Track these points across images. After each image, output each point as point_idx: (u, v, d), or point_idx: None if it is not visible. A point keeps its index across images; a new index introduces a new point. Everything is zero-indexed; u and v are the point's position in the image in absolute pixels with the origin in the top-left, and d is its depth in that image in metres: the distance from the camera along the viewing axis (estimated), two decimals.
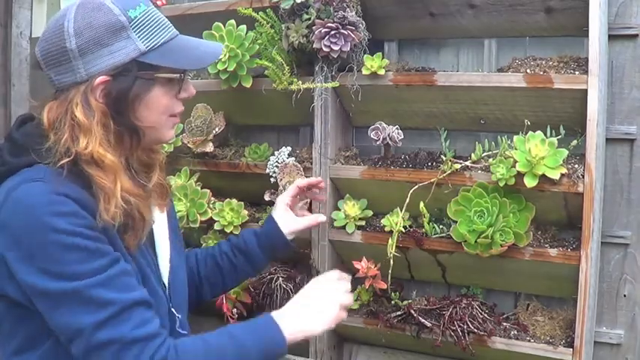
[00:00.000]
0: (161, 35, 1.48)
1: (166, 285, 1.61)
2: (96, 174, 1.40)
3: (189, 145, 2.51)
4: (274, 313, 1.56)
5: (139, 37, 1.44)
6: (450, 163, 2.11)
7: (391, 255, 2.15)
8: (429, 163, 2.22)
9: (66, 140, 1.40)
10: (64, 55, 1.42)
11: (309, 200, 2.26)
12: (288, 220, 2.04)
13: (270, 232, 2.01)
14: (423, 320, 2.18)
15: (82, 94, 1.42)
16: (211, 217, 2.47)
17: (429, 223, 2.18)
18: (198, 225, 2.45)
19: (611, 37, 2.09)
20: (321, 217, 2.14)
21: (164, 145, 1.86)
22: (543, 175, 1.93)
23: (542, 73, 2.05)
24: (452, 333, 2.12)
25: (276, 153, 2.42)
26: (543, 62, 2.11)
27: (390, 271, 2.16)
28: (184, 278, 1.75)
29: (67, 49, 1.41)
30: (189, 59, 1.52)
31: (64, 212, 1.34)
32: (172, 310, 1.59)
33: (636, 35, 2.10)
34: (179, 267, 1.70)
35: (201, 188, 2.49)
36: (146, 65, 1.45)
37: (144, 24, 1.46)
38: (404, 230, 2.20)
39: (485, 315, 2.16)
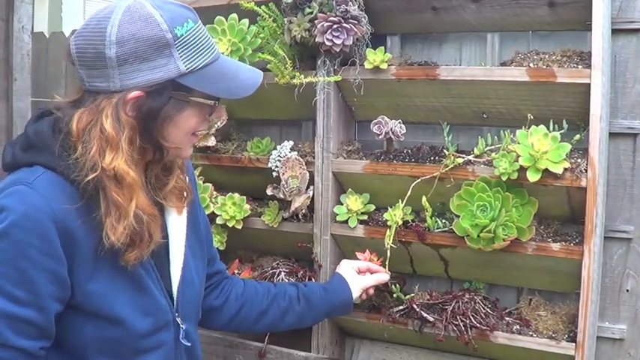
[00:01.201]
0: (203, 57, 1.44)
1: (174, 294, 1.59)
2: (114, 190, 1.37)
3: None
4: None
5: (181, 56, 1.40)
6: (452, 158, 2.11)
7: (388, 246, 2.15)
8: (432, 158, 2.21)
9: (94, 154, 1.37)
10: (101, 60, 1.37)
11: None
12: (355, 278, 2.11)
13: (337, 288, 2.06)
14: (425, 315, 2.18)
15: (113, 106, 1.38)
16: (213, 212, 2.47)
17: (431, 218, 2.18)
18: None
19: (615, 32, 2.08)
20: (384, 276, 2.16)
21: None
22: (546, 170, 1.93)
23: (545, 67, 2.05)
24: (454, 328, 2.12)
25: (278, 147, 2.42)
26: (546, 56, 2.11)
27: (387, 263, 2.16)
28: (199, 288, 1.72)
29: (105, 56, 1.36)
30: (226, 88, 1.48)
31: (27, 228, 1.32)
32: (177, 319, 1.58)
33: (639, 29, 2.09)
34: (194, 275, 1.67)
35: (204, 182, 2.49)
36: (183, 87, 1.42)
37: (188, 43, 1.41)
38: (406, 224, 2.19)
39: (488, 310, 2.16)
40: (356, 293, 2.07)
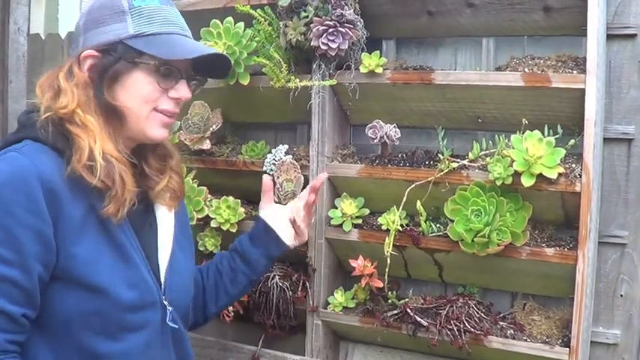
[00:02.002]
0: (154, 27, 1.53)
1: (162, 278, 1.61)
2: (75, 132, 1.46)
3: (186, 142, 2.51)
4: None
5: (133, 22, 1.51)
6: (447, 162, 2.11)
7: (388, 254, 2.15)
8: (427, 162, 2.21)
9: (47, 99, 1.49)
10: (76, 31, 1.56)
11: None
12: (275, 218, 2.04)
13: (260, 231, 2.02)
14: (419, 319, 2.17)
15: (69, 64, 1.53)
16: (208, 215, 2.46)
17: (425, 222, 2.18)
18: (194, 222, 2.44)
19: (610, 37, 2.08)
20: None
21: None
22: (541, 175, 1.93)
23: (540, 72, 2.05)
24: (448, 332, 2.12)
25: (273, 151, 2.41)
26: (541, 61, 2.11)
27: (387, 270, 2.16)
28: (188, 282, 1.75)
29: (78, 26, 1.56)
30: (171, 51, 1.54)
31: (14, 187, 1.37)
32: (164, 302, 1.59)
33: (634, 35, 2.09)
34: (182, 267, 1.70)
35: (198, 185, 2.48)
36: (130, 48, 1.51)
37: (143, 14, 1.53)
38: (401, 229, 2.19)
39: (482, 314, 2.16)
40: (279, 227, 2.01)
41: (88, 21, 1.53)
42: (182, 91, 1.58)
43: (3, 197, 1.37)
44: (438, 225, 2.18)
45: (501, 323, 2.16)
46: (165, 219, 1.69)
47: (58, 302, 1.45)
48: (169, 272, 1.63)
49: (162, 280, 1.61)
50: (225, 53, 1.66)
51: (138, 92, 1.53)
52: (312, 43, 2.20)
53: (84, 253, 1.44)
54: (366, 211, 2.34)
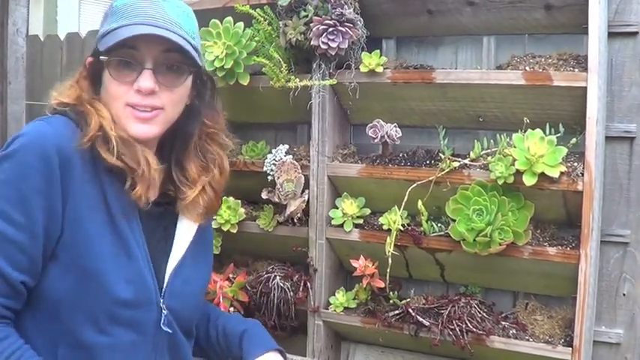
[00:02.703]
0: (117, 22, 1.48)
1: (165, 282, 1.58)
2: (86, 112, 1.48)
3: None
4: None
5: (106, 23, 1.52)
6: (448, 161, 2.10)
7: (390, 254, 2.15)
8: (428, 161, 2.21)
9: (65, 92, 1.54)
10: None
11: None
12: None
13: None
14: (421, 319, 2.17)
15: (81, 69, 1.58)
16: None
17: (427, 222, 2.17)
18: None
19: (611, 35, 2.08)
20: None
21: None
22: (542, 174, 1.92)
23: (541, 70, 2.04)
24: (450, 332, 2.11)
25: (273, 151, 2.41)
26: (542, 60, 2.11)
27: (388, 270, 2.15)
28: (196, 292, 1.70)
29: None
30: (111, 40, 1.47)
31: (33, 151, 1.40)
32: (161, 305, 1.56)
33: (636, 33, 2.09)
34: (191, 277, 1.65)
35: None
36: (96, 50, 1.53)
37: (117, 13, 1.51)
38: (402, 229, 2.19)
39: (484, 314, 2.15)
40: None
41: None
42: (141, 81, 1.50)
43: (21, 159, 1.39)
44: (439, 225, 2.17)
45: (503, 323, 2.15)
46: (185, 231, 1.66)
47: (53, 281, 1.44)
48: (174, 277, 1.60)
49: (165, 283, 1.59)
50: (169, 36, 1.48)
51: (108, 90, 1.53)
52: (311, 43, 2.20)
53: (86, 234, 1.44)
54: (367, 211, 2.34)
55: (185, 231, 1.66)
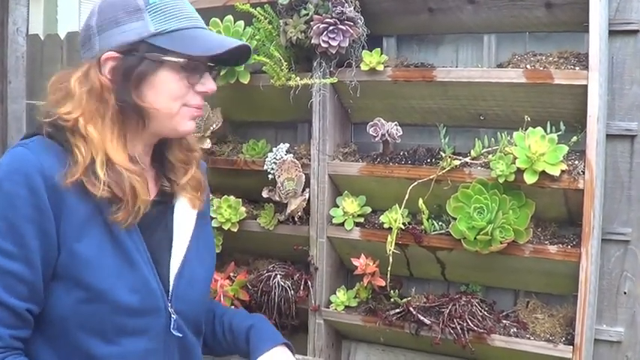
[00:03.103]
0: (176, 22, 1.50)
1: (170, 285, 1.57)
2: (75, 144, 1.43)
3: None
4: None
5: (152, 19, 1.47)
6: (449, 160, 2.10)
7: (390, 252, 2.14)
8: (428, 160, 2.20)
9: (51, 102, 1.47)
10: (88, 32, 1.50)
11: None
12: None
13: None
14: (422, 318, 2.16)
15: (87, 67, 1.47)
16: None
17: (428, 220, 2.17)
18: None
19: (612, 33, 2.08)
20: None
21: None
22: (543, 172, 1.92)
23: (542, 68, 2.04)
24: (451, 331, 2.11)
25: (274, 149, 2.41)
26: (543, 58, 2.10)
27: (389, 269, 2.15)
28: (201, 291, 1.69)
29: (90, 27, 1.49)
30: (197, 47, 1.51)
31: (16, 181, 1.37)
32: (170, 309, 1.55)
33: (637, 31, 2.08)
34: (196, 275, 1.65)
35: None
36: (154, 47, 1.47)
37: (160, 10, 1.48)
38: (403, 227, 2.18)
39: (485, 312, 2.15)
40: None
41: (101, 21, 1.48)
42: (209, 84, 1.56)
43: (5, 190, 1.36)
44: (440, 223, 2.17)
45: (504, 321, 2.15)
46: (183, 222, 1.65)
47: (57, 301, 1.43)
48: (179, 279, 1.59)
49: (171, 287, 1.57)
50: (245, 42, 1.62)
51: (166, 91, 1.50)
52: (312, 41, 2.19)
53: (85, 251, 1.43)
54: (368, 210, 2.34)
55: (183, 226, 1.65)
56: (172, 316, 1.55)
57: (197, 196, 1.67)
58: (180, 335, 1.58)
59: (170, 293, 1.56)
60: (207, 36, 1.56)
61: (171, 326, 1.55)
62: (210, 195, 2.12)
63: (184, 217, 1.66)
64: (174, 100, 1.52)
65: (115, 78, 1.47)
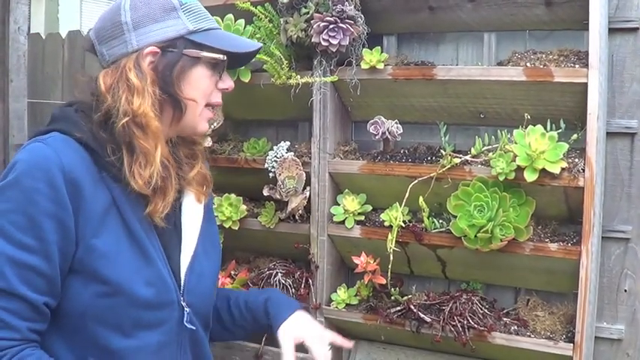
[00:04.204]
0: (207, 22, 1.58)
1: (182, 280, 1.59)
2: (141, 137, 1.47)
3: None
4: None
5: (188, 18, 1.54)
6: (449, 158, 2.10)
7: (391, 250, 2.15)
8: (429, 158, 2.21)
9: (124, 101, 1.47)
10: (118, 28, 1.51)
11: None
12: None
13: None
14: (422, 315, 2.17)
15: (134, 60, 1.50)
16: None
17: (428, 218, 2.17)
18: None
19: (612, 31, 2.07)
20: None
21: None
22: (543, 170, 1.92)
23: (542, 66, 2.04)
24: (452, 328, 2.11)
25: (274, 148, 2.41)
26: (543, 56, 2.10)
27: (389, 266, 2.15)
28: (209, 285, 1.71)
29: (121, 23, 1.51)
30: (231, 45, 1.60)
31: (36, 176, 1.39)
32: (182, 303, 1.57)
33: (637, 29, 2.08)
34: (204, 270, 1.67)
35: None
36: (193, 43, 1.54)
37: (192, 10, 1.56)
38: (403, 225, 2.19)
39: (486, 310, 2.15)
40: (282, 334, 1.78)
41: (137, 17, 1.51)
42: (229, 81, 1.65)
43: (25, 186, 1.38)
44: (440, 221, 2.17)
45: (505, 319, 2.15)
46: (191, 218, 1.68)
47: (74, 295, 1.45)
48: (189, 274, 1.61)
49: (182, 282, 1.60)
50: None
51: (200, 87, 1.57)
52: (312, 40, 2.20)
53: (103, 246, 1.45)
54: (369, 208, 2.34)
55: (191, 221, 1.68)
56: (185, 309, 1.58)
57: (202, 191, 1.71)
58: (194, 328, 1.61)
59: (182, 287, 1.59)
60: (231, 36, 1.71)
61: (185, 319, 1.58)
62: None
63: (192, 212, 1.69)
64: (204, 97, 1.59)
65: (156, 72, 1.51)
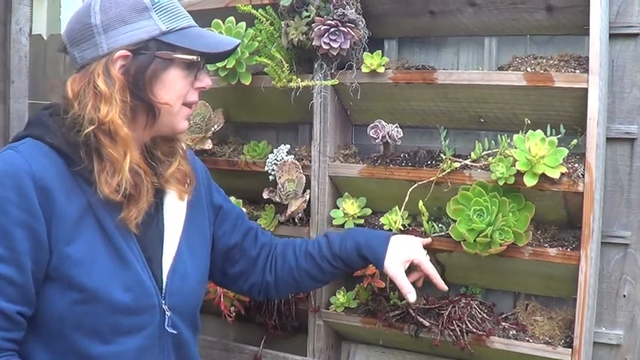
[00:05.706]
0: (181, 21, 1.55)
1: (163, 282, 1.58)
2: (108, 145, 1.45)
3: (187, 142, 2.50)
4: None
5: (160, 18, 1.51)
6: (449, 162, 2.10)
7: None
8: (429, 162, 2.21)
9: (90, 109, 1.45)
10: (88, 30, 1.48)
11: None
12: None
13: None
14: (421, 319, 2.17)
15: (103, 65, 1.47)
16: None
17: (428, 222, 2.17)
18: None
19: (612, 36, 2.08)
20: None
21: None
22: (543, 175, 1.92)
23: (542, 71, 2.04)
24: (450, 332, 2.11)
25: (275, 151, 2.41)
26: (544, 61, 2.10)
27: None
28: (195, 287, 1.70)
29: (91, 25, 1.48)
30: (206, 44, 1.56)
31: (5, 184, 1.38)
32: (164, 307, 1.57)
33: (637, 34, 2.08)
34: (188, 270, 1.66)
35: None
36: (165, 45, 1.51)
37: (165, 9, 1.53)
38: (403, 229, 2.19)
39: (484, 315, 2.15)
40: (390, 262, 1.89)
41: (107, 20, 1.48)
42: (206, 79, 1.61)
43: None
44: (440, 225, 2.17)
45: (504, 324, 2.15)
46: (173, 217, 1.66)
47: (51, 302, 1.44)
48: (172, 275, 1.60)
49: (164, 284, 1.59)
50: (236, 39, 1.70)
51: (175, 89, 1.54)
52: (313, 43, 2.20)
53: (77, 253, 1.44)
54: (368, 211, 2.34)
55: (173, 220, 1.66)
56: (166, 313, 1.57)
57: (184, 189, 1.68)
58: (175, 332, 1.59)
59: (164, 290, 1.58)
60: (206, 33, 1.63)
61: (166, 323, 1.57)
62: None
63: (174, 211, 1.67)
64: (178, 98, 1.56)
65: (127, 77, 1.48)
